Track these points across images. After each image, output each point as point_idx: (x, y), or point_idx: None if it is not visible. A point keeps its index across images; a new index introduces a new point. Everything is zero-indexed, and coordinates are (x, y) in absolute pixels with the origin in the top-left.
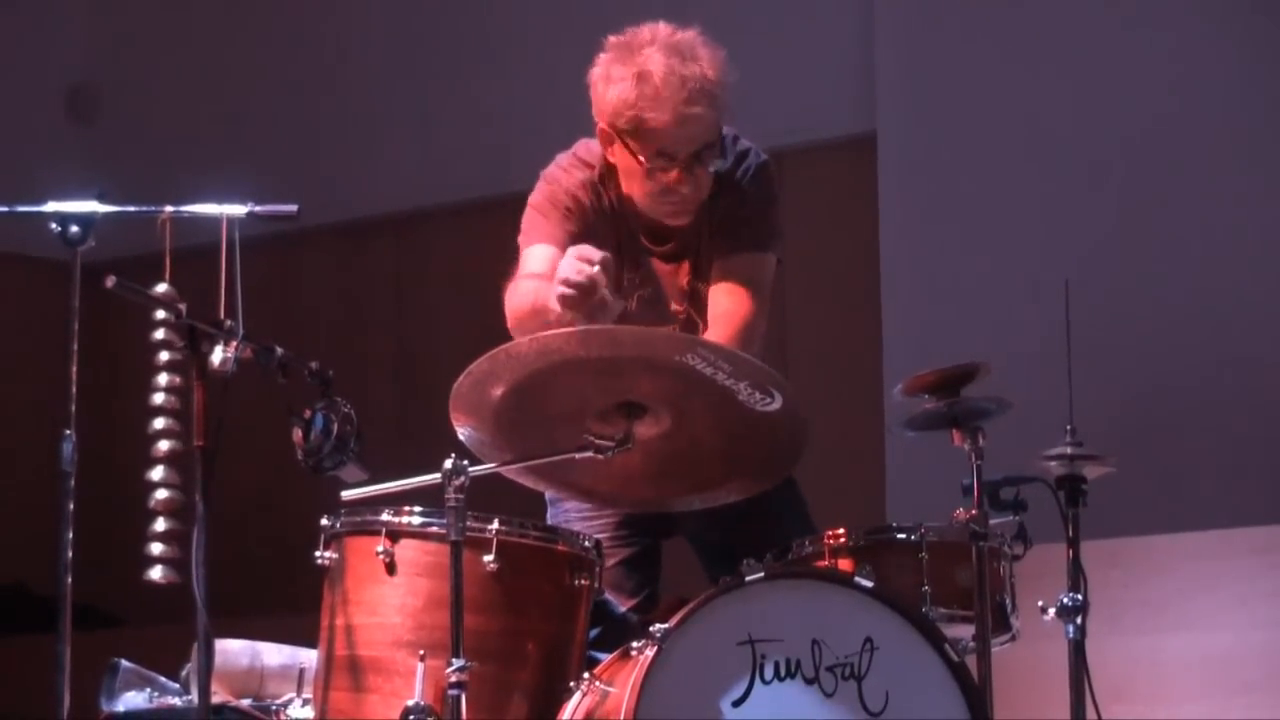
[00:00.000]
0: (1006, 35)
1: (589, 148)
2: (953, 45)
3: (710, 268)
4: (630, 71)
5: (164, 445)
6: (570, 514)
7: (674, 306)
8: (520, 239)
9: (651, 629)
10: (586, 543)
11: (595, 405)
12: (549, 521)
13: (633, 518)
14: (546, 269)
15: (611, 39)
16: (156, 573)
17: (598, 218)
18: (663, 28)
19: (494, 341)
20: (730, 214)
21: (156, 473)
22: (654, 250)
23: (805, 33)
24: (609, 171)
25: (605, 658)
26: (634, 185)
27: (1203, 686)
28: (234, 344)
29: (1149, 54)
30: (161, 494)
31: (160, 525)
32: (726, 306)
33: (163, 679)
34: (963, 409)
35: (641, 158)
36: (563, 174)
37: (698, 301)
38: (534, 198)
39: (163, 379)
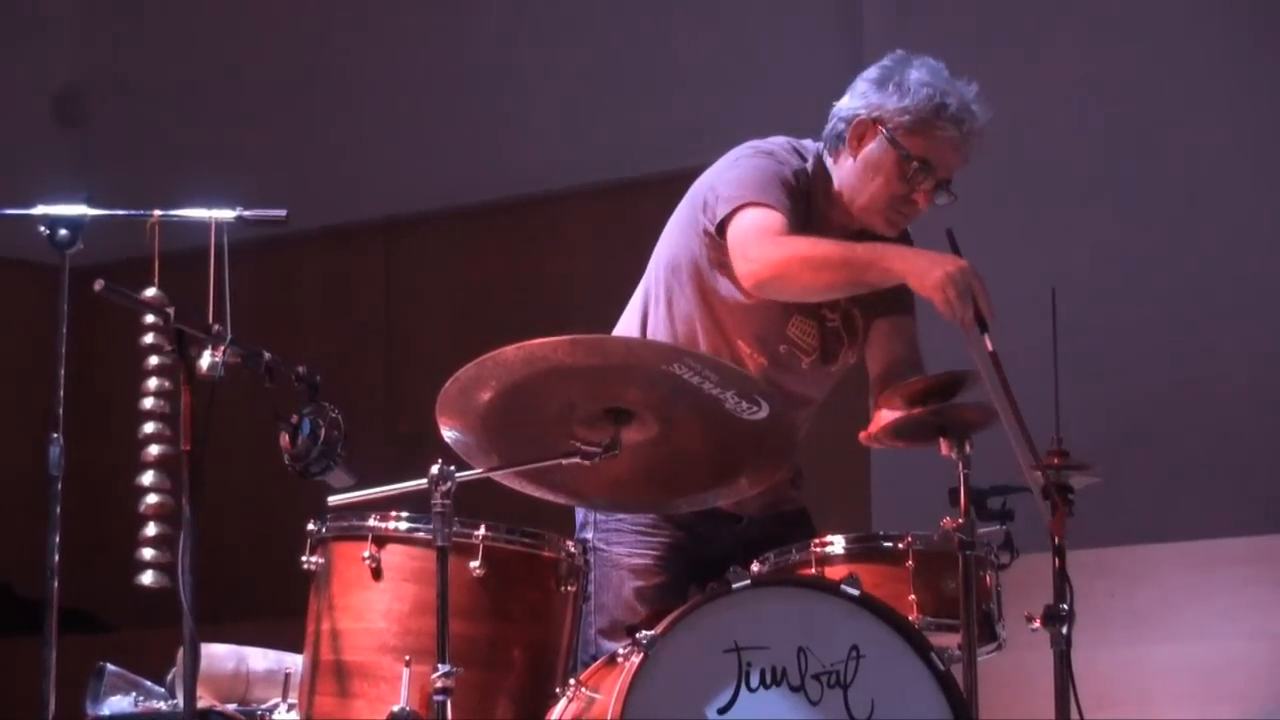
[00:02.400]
0: (992, 44)
1: (801, 144)
2: (939, 53)
3: (869, 301)
4: (936, 84)
5: (154, 450)
6: (624, 524)
7: (826, 312)
8: (740, 189)
9: (637, 635)
10: (573, 548)
11: (582, 411)
12: (593, 531)
13: (679, 545)
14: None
15: (899, 52)
16: (148, 578)
17: (797, 205)
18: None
19: (481, 347)
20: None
21: (147, 477)
22: None
23: (792, 36)
24: (820, 170)
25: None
26: (872, 183)
27: (1188, 697)
28: (222, 348)
29: (1135, 64)
30: (152, 499)
31: (151, 530)
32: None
33: (148, 683)
34: (950, 418)
35: (910, 154)
36: (783, 153)
37: (851, 323)
38: (758, 161)
39: (152, 383)
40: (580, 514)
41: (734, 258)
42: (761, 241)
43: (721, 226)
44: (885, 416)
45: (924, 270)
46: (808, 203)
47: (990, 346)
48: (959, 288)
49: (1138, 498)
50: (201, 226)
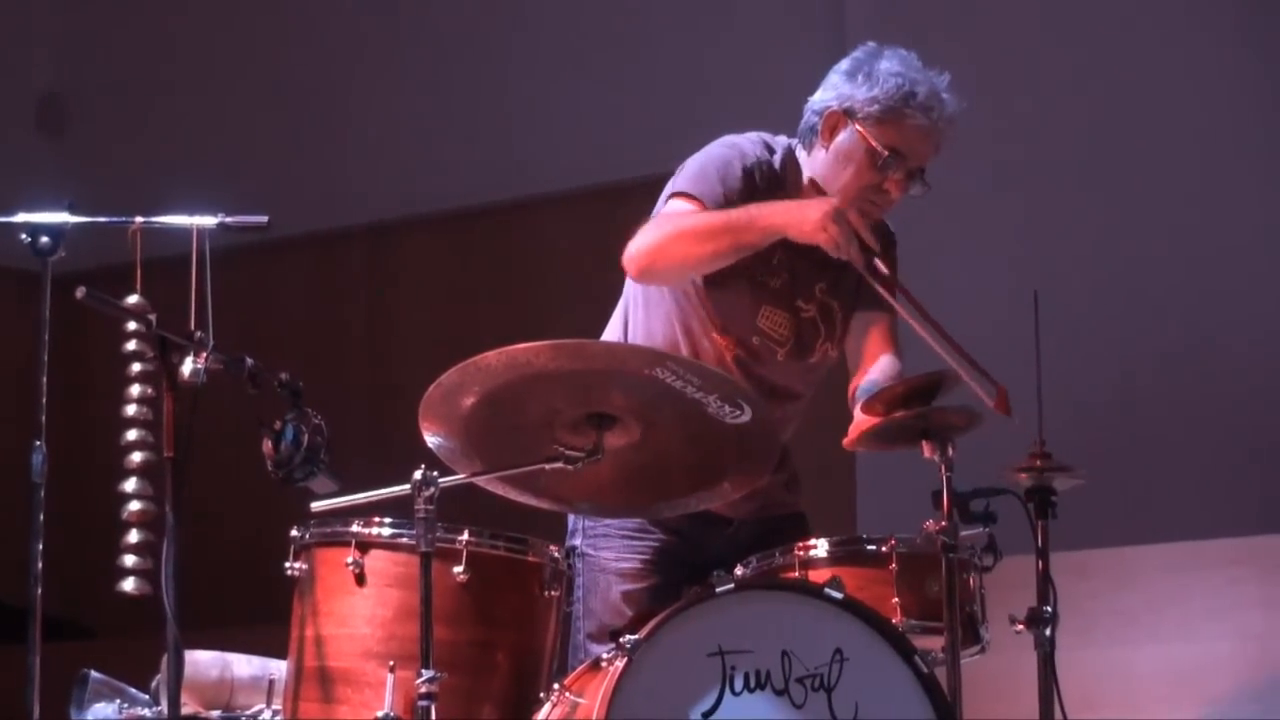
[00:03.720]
0: (975, 44)
1: (774, 139)
2: (921, 52)
3: (849, 294)
4: (906, 74)
5: (136, 457)
6: (611, 529)
7: (800, 304)
8: (680, 180)
9: (621, 639)
10: (556, 553)
11: (565, 415)
12: (581, 537)
13: (668, 548)
14: None
15: (871, 44)
16: (129, 585)
17: (743, 197)
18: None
19: (465, 352)
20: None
21: (129, 484)
22: (798, 248)
23: (775, 41)
24: (791, 162)
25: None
26: (844, 173)
27: (1172, 698)
28: (204, 355)
29: (1120, 63)
30: (134, 506)
31: (133, 537)
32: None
33: (132, 690)
34: (932, 421)
35: (878, 147)
36: (748, 145)
37: (829, 316)
38: (714, 151)
39: (135, 390)
40: (571, 520)
41: None
42: (643, 230)
43: None
44: (866, 420)
45: (800, 217)
46: (771, 195)
47: (884, 269)
48: (839, 223)
49: (1121, 500)
50: (183, 233)
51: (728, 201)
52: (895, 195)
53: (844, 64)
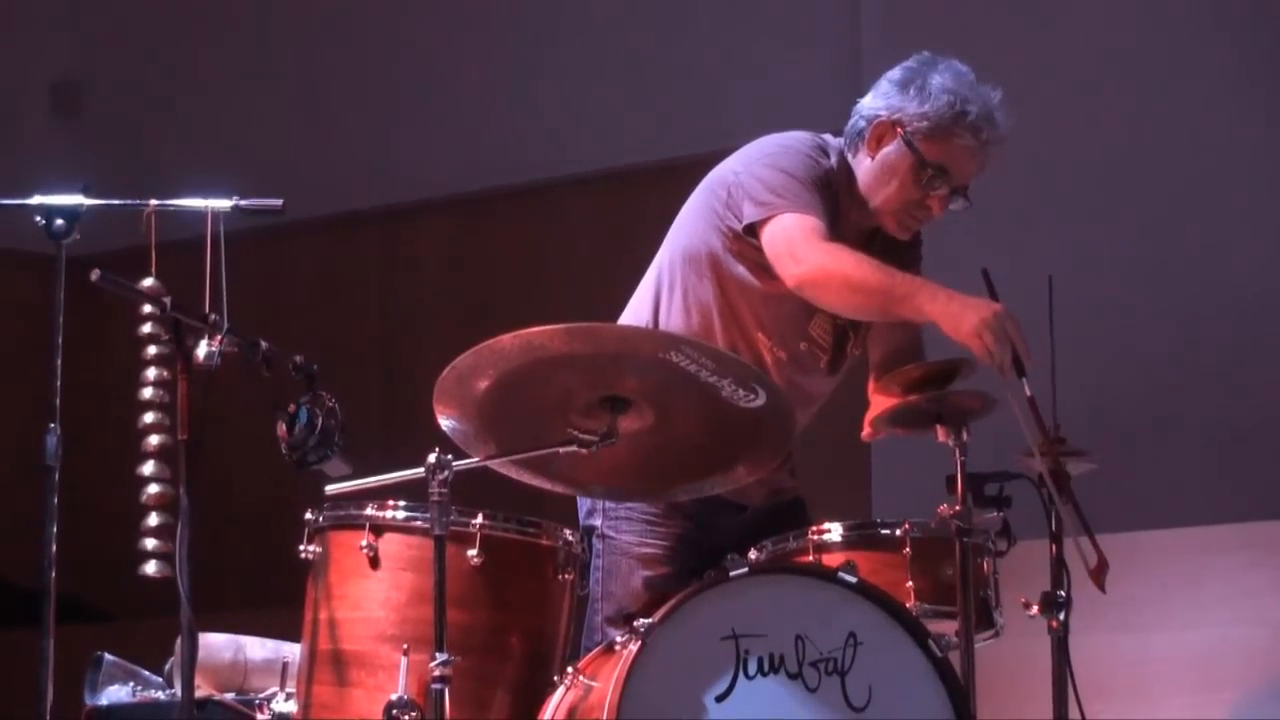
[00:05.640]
0: (991, 34)
1: (824, 140)
2: (939, 42)
3: None
4: (959, 91)
5: (153, 439)
6: (634, 512)
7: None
8: (774, 198)
9: (635, 624)
10: (571, 537)
11: (579, 399)
12: (602, 518)
13: (689, 535)
14: None
15: (926, 54)
16: (151, 567)
17: (827, 206)
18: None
19: (480, 335)
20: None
21: (147, 467)
22: None
23: (792, 26)
24: (845, 167)
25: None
26: (887, 186)
27: (1185, 683)
28: (219, 338)
29: (1134, 55)
30: (153, 489)
31: (153, 520)
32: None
33: (146, 673)
34: (947, 405)
35: (926, 160)
36: (813, 153)
37: (858, 320)
38: (786, 163)
39: (150, 373)
40: (586, 501)
41: (777, 256)
42: (809, 244)
43: (753, 227)
44: (882, 403)
45: (957, 315)
46: (835, 202)
47: (1029, 392)
48: (995, 333)
49: (1134, 484)
50: (198, 216)
51: (825, 210)
52: (936, 211)
53: (896, 73)
